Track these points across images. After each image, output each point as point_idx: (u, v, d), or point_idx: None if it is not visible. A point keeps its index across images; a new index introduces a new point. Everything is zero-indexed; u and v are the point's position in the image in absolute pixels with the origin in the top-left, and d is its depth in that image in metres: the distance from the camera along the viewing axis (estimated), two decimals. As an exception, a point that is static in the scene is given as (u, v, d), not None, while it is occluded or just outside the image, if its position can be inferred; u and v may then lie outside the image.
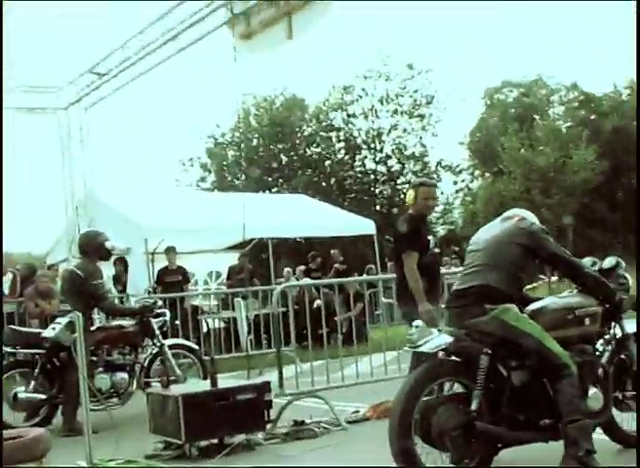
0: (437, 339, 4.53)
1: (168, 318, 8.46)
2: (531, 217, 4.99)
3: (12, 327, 8.69)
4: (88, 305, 7.57)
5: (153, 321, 7.92)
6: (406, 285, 6.06)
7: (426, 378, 4.50)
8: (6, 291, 12.37)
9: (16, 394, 7.28)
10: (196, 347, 8.87)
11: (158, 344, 7.95)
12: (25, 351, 7.49)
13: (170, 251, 13.30)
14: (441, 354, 4.57)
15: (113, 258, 13.01)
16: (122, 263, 13.66)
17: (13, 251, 31.75)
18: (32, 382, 7.40)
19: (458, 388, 4.63)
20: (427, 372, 4.54)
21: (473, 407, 4.39)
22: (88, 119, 11.39)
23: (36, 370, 7.45)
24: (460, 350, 4.53)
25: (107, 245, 7.90)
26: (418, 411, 4.36)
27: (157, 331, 7.95)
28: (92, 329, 7.62)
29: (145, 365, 7.93)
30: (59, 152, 11.60)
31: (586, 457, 4.35)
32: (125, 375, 7.66)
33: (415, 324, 4.68)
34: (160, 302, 8.57)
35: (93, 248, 7.80)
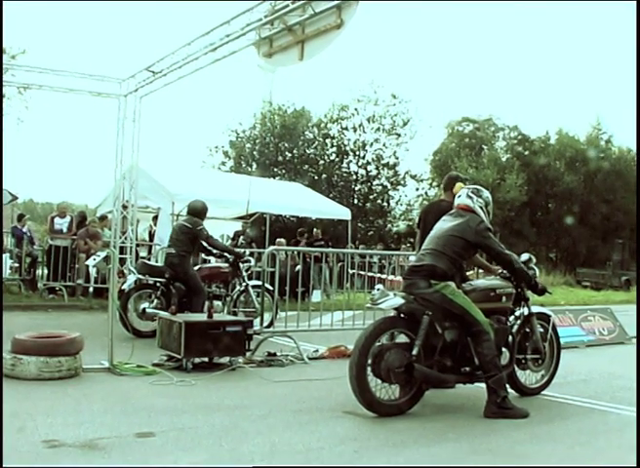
0: (392, 300, 4.54)
1: (252, 264, 8.53)
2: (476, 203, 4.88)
3: (143, 261, 8.87)
4: (192, 248, 7.78)
5: (242, 265, 8.09)
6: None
7: (381, 328, 4.53)
8: (65, 229, 12.16)
9: (144, 308, 7.59)
10: (272, 288, 8.69)
11: (244, 284, 8.13)
12: (151, 279, 7.76)
13: (193, 213, 13.15)
14: (394, 312, 4.60)
15: (152, 216, 12.89)
16: (155, 220, 13.51)
17: (74, 201, 31.50)
18: (155, 301, 7.69)
19: (402, 338, 4.64)
20: (382, 324, 4.58)
21: (414, 352, 4.42)
22: (141, 106, 11.22)
23: (157, 293, 7.70)
24: (409, 310, 4.54)
25: (206, 208, 8.04)
26: (372, 352, 4.38)
27: (244, 273, 8.13)
28: (197, 267, 8.03)
29: (234, 297, 8.18)
30: (115, 129, 11.44)
31: (503, 402, 4.48)
32: (219, 303, 7.93)
33: (377, 287, 4.67)
34: (248, 252, 8.58)
35: (198, 210, 7.96)
